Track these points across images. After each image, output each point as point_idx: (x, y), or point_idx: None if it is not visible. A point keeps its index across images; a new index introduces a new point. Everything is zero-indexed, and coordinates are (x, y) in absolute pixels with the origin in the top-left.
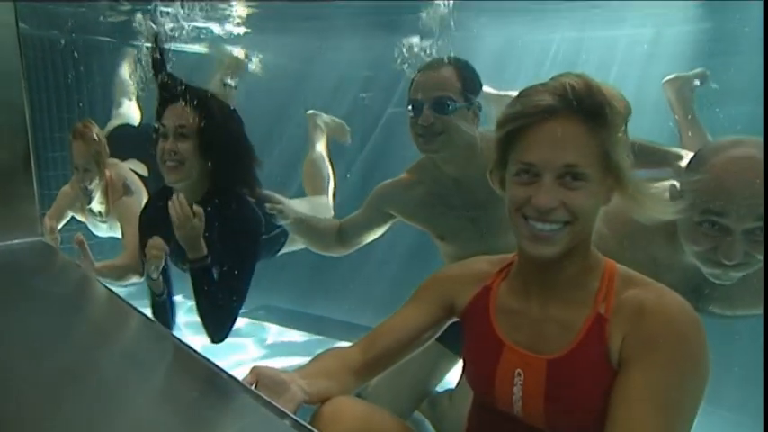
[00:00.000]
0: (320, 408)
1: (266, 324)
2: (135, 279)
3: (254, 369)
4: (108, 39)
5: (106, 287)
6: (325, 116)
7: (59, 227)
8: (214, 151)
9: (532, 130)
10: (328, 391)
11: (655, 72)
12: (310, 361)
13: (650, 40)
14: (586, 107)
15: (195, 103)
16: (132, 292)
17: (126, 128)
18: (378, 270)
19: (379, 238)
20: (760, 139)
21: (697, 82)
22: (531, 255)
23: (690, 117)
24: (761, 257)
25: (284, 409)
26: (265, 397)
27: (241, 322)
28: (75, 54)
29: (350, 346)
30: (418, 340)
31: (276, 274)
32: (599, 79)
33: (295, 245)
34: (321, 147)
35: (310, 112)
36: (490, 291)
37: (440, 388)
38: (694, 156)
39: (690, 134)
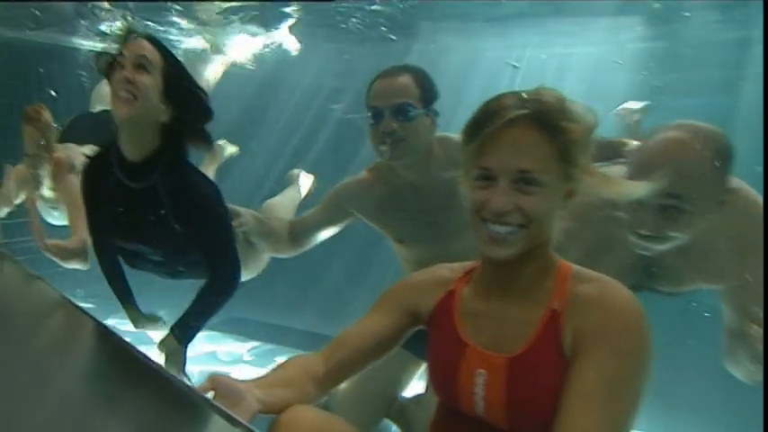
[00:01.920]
0: (277, 417)
1: (234, 336)
2: (80, 266)
3: (210, 377)
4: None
5: (57, 292)
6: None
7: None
8: (175, 95)
9: (491, 137)
10: (286, 401)
11: (611, 85)
12: (272, 370)
13: (607, 56)
14: (543, 117)
15: (159, 44)
16: None
17: (85, 115)
18: (344, 279)
19: (346, 248)
20: (698, 124)
21: (637, 116)
22: (489, 256)
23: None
24: (676, 234)
25: (239, 419)
26: (220, 406)
27: (208, 335)
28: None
29: (313, 355)
30: (382, 348)
31: (245, 285)
32: (562, 92)
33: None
34: (290, 200)
35: (295, 172)
36: (453, 295)
37: (410, 394)
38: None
39: None
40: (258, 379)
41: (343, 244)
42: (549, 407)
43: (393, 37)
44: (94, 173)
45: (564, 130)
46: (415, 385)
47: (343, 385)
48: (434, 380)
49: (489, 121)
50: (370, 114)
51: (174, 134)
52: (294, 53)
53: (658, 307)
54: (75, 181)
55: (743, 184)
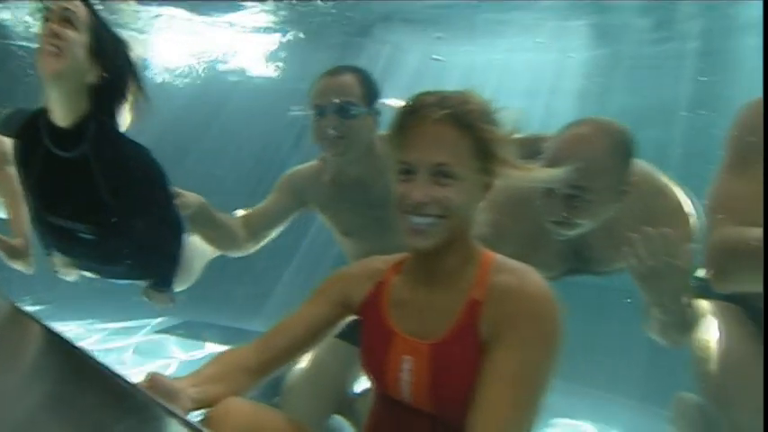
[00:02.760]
0: (210, 411)
1: (186, 340)
2: (23, 268)
3: (149, 375)
4: None
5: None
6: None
7: None
8: (103, 54)
9: (410, 133)
10: (218, 395)
11: (560, 90)
12: (204, 365)
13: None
14: (459, 115)
15: (87, 1)
16: None
17: (21, 110)
18: (298, 281)
19: (299, 249)
20: (602, 121)
21: None
22: (411, 247)
23: None
24: (583, 221)
25: (181, 415)
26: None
27: (162, 338)
28: None
29: (246, 346)
30: (315, 337)
31: (196, 287)
32: (482, 93)
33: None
34: None
35: None
36: (384, 286)
37: (360, 389)
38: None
39: None
40: (191, 375)
41: (297, 245)
42: (470, 391)
43: (348, 38)
44: (23, 142)
45: (480, 128)
46: (365, 380)
47: (293, 383)
48: (366, 367)
49: (410, 117)
50: (313, 112)
51: (103, 97)
52: (251, 53)
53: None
54: (8, 171)
55: (649, 169)
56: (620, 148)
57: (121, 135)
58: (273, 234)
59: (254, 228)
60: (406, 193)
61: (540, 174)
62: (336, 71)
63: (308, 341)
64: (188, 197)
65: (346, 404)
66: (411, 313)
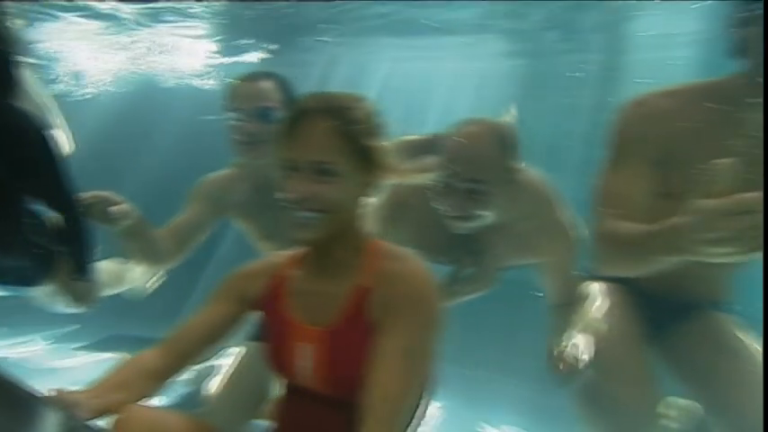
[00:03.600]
0: (114, 418)
1: (112, 354)
2: None
3: (52, 390)
4: None
5: None
6: None
7: None
8: None
9: (294, 132)
10: (121, 403)
11: (481, 98)
12: (107, 372)
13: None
14: (334, 114)
15: None
16: None
17: None
18: (210, 287)
19: (219, 259)
20: (488, 120)
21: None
22: (298, 239)
23: None
24: (483, 213)
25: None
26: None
27: (88, 355)
28: None
29: (149, 351)
30: (218, 336)
31: (124, 301)
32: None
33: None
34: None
35: None
36: (282, 279)
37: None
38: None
39: None
40: (93, 385)
41: (217, 255)
42: (364, 373)
43: (273, 45)
44: None
45: (358, 129)
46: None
47: (215, 389)
48: (269, 358)
49: (294, 117)
50: (232, 116)
51: None
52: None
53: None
54: None
55: (537, 175)
56: (507, 142)
57: (12, 106)
58: (195, 245)
59: (178, 240)
60: (289, 190)
61: (415, 172)
62: (255, 76)
63: (211, 341)
64: (125, 208)
65: (269, 407)
66: (307, 303)
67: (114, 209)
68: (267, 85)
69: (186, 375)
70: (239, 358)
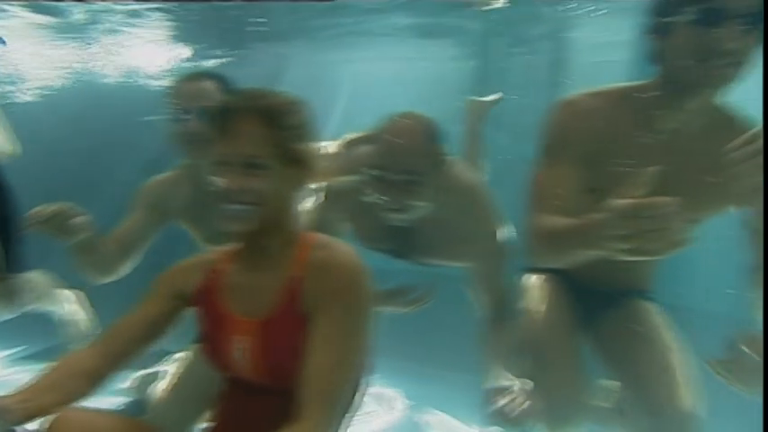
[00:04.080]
0: (47, 420)
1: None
2: None
3: None
4: None
5: None
6: None
7: None
8: None
9: (223, 127)
10: (53, 405)
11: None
12: (39, 374)
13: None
14: (263, 111)
15: None
16: None
17: None
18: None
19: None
20: (414, 114)
21: (486, 106)
22: (231, 231)
23: (476, 133)
24: (417, 204)
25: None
26: None
27: (16, 371)
28: None
29: (82, 351)
30: (152, 334)
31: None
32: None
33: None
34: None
35: None
36: (217, 274)
37: None
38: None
39: (471, 146)
40: (23, 388)
41: (153, 267)
42: (299, 362)
43: (226, 48)
44: None
45: (279, 122)
46: None
47: (160, 392)
48: (205, 352)
49: (224, 113)
50: (175, 116)
51: None
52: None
53: None
54: None
55: (466, 169)
56: (432, 133)
57: None
58: (140, 253)
59: (122, 249)
60: (221, 183)
61: (346, 169)
62: (197, 76)
63: (146, 339)
64: (83, 221)
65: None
66: (242, 296)
67: (74, 222)
68: (209, 84)
69: (130, 383)
70: (183, 363)
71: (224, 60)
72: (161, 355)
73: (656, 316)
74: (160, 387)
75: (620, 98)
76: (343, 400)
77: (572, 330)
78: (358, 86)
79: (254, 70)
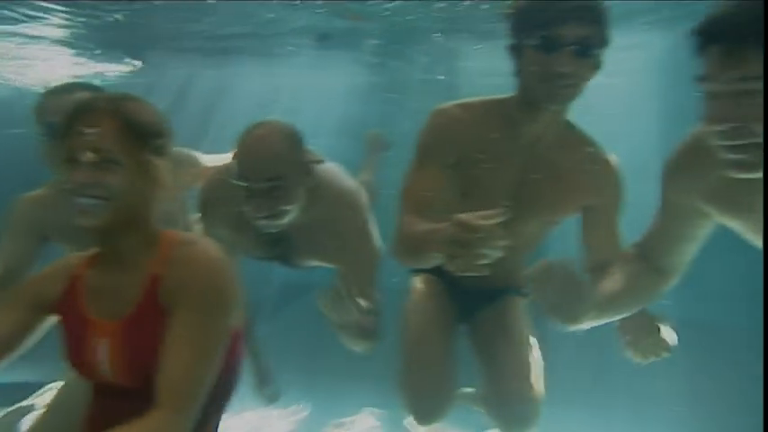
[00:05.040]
0: None
1: None
2: None
3: None
4: None
5: None
6: None
7: None
8: None
9: (73, 125)
10: None
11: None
12: None
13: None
14: (114, 109)
15: None
16: None
17: None
18: None
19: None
20: (274, 121)
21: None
22: (79, 227)
23: (373, 160)
24: (285, 209)
25: None
26: None
27: None
28: None
29: None
30: (13, 345)
31: None
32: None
33: None
34: None
35: None
36: (79, 279)
37: None
38: None
39: (366, 172)
40: None
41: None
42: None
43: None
44: None
45: (134, 121)
46: None
47: (30, 426)
48: (69, 359)
49: (74, 112)
50: (45, 131)
51: None
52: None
53: None
54: None
55: (336, 173)
56: (293, 139)
57: None
58: (23, 277)
59: (9, 273)
60: (72, 176)
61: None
62: (68, 88)
63: (8, 348)
64: None
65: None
66: (104, 298)
67: None
68: (83, 97)
69: (2, 415)
70: (57, 394)
71: (130, 70)
72: (30, 390)
73: (521, 312)
74: (29, 420)
75: (485, 110)
76: (199, 391)
77: (446, 331)
78: (269, 98)
79: (156, 80)
